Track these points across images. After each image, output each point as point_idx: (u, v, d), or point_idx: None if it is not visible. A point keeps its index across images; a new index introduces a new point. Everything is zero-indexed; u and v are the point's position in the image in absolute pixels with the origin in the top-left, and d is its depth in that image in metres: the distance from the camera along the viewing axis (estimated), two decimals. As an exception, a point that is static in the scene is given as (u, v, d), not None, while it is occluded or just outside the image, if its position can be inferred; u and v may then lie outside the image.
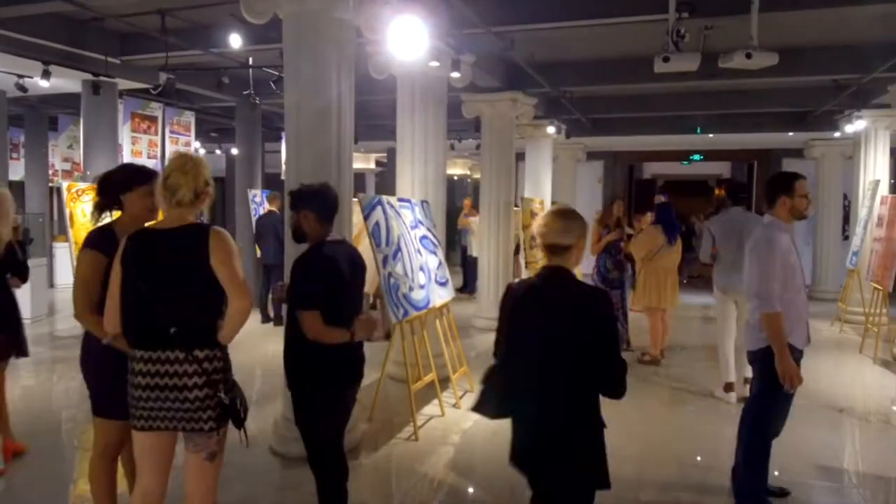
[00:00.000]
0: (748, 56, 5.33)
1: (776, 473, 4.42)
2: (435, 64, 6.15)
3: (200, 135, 13.31)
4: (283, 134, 5.19)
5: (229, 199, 11.28)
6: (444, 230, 7.00)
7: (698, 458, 4.79)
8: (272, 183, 12.50)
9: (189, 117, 10.72)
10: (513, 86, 8.73)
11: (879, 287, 7.88)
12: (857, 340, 8.34)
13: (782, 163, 14.72)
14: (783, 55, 5.57)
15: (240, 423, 2.66)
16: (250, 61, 8.46)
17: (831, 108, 9.83)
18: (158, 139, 9.97)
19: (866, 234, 9.27)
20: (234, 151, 12.08)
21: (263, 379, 6.60)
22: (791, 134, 12.19)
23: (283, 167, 5.89)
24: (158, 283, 2.56)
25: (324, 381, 3.01)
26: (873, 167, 9.98)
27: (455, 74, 6.50)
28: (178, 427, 2.59)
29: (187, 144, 10.68)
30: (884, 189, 9.54)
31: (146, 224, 2.84)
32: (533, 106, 9.53)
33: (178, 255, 2.58)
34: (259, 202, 10.92)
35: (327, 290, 2.94)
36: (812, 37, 7.30)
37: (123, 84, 8.49)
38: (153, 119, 9.86)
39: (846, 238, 12.09)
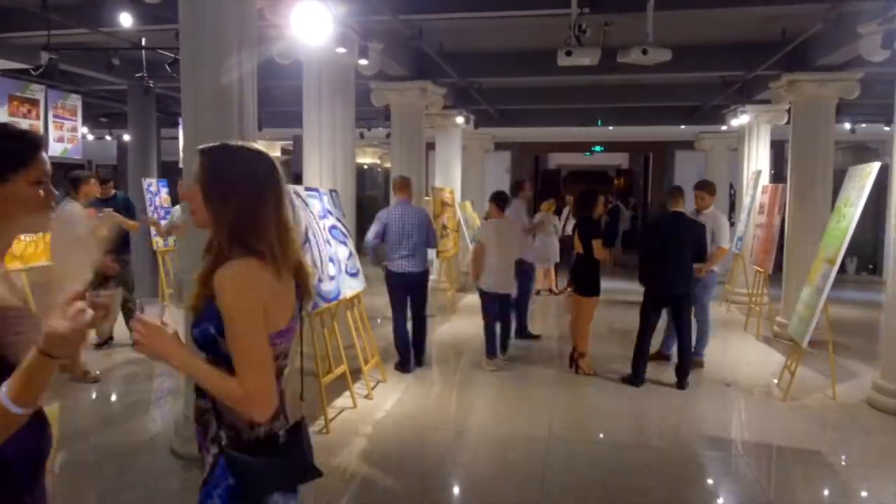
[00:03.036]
0: (644, 52, 5.60)
1: (665, 447, 4.71)
2: (342, 50, 6.03)
3: (88, 120, 12.40)
4: (181, 119, 4.94)
5: (122, 188, 10.60)
6: (354, 220, 6.90)
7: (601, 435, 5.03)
8: (169, 171, 11.86)
9: (75, 101, 9.96)
10: (422, 75, 8.72)
11: (761, 270, 8.52)
12: (742, 319, 8.99)
13: (675, 154, 15.59)
14: (676, 52, 5.89)
15: None
16: (143, 42, 7.98)
17: (719, 103, 10.49)
18: (41, 124, 9.19)
19: (749, 221, 9.99)
20: (127, 138, 11.37)
21: (162, 378, 6.27)
22: (683, 127, 12.93)
23: (182, 154, 5.60)
24: None
25: None
26: (756, 158, 10.75)
27: (363, 62, 6.40)
28: None
29: (73, 130, 9.93)
30: (765, 179, 10.30)
31: None
32: (442, 96, 9.56)
33: None
34: (155, 191, 10.33)
35: None
36: (702, 36, 7.75)
37: (-1, 63, 7.79)
38: (34, 102, 9.08)
39: (732, 224, 12.95)
